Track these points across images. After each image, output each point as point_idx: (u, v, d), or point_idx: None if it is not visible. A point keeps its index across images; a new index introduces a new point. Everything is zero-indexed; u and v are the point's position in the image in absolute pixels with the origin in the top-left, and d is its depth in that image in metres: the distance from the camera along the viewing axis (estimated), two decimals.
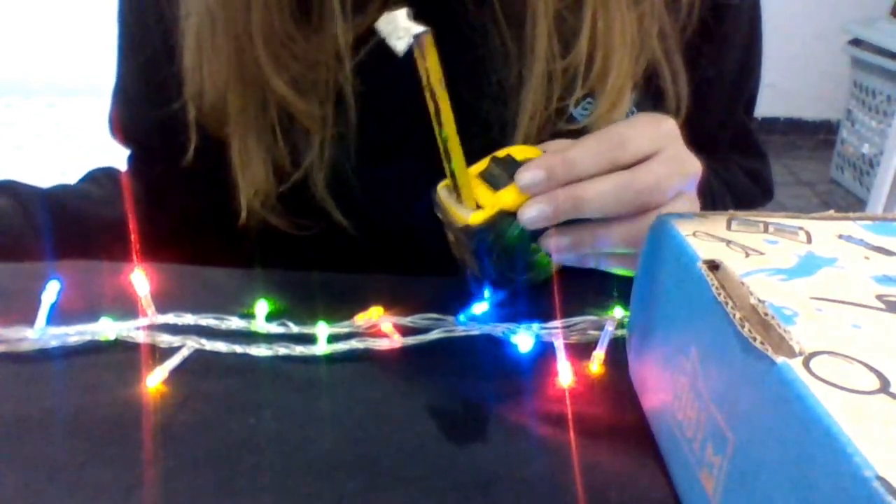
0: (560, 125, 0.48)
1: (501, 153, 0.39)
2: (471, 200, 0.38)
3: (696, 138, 0.53)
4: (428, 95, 0.34)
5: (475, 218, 0.37)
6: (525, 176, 0.37)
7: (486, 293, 0.43)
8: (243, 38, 0.45)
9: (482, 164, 0.39)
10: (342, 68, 0.47)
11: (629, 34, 0.46)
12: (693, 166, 0.41)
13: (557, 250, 0.39)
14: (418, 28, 0.32)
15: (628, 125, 0.39)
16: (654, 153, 0.39)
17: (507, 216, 0.37)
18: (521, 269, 0.41)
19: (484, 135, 0.49)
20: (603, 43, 0.45)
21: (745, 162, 0.61)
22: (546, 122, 0.48)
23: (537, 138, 0.47)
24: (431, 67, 0.34)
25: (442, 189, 0.39)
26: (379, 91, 0.48)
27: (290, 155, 0.49)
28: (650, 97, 0.51)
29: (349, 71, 0.47)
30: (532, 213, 0.37)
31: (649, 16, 0.47)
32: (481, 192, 0.38)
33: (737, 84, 0.57)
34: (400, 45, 0.33)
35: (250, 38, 0.45)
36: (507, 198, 0.37)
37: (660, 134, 0.39)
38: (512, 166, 0.38)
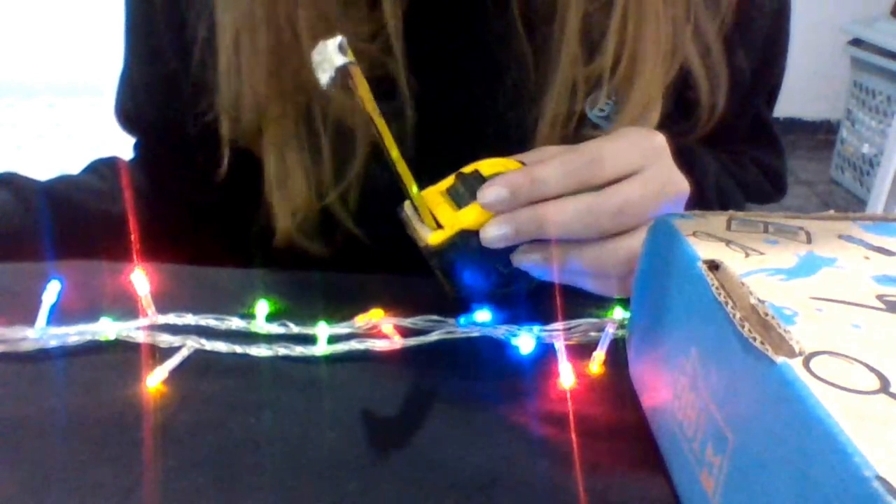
0: (583, 131, 0.46)
1: (468, 168, 0.38)
2: (429, 219, 0.37)
3: (713, 128, 0.52)
4: (370, 122, 0.34)
5: (434, 238, 0.37)
6: (488, 194, 0.35)
7: (468, 305, 0.42)
8: (287, 35, 0.44)
9: (449, 181, 0.38)
10: (394, 61, 0.45)
11: (662, 39, 0.44)
12: (677, 187, 0.38)
13: (529, 268, 0.38)
14: (341, 60, 0.32)
15: (609, 141, 0.37)
16: (635, 171, 0.37)
17: (470, 235, 0.36)
18: (496, 283, 0.40)
19: (501, 139, 0.48)
20: (631, 48, 0.44)
21: (760, 155, 0.59)
22: (567, 128, 0.46)
23: (557, 144, 0.46)
24: (363, 97, 0.33)
25: (407, 206, 0.39)
26: (434, 88, 0.46)
27: (335, 169, 0.48)
28: (672, 100, 0.49)
29: (402, 64, 0.45)
30: (493, 234, 0.36)
31: (683, 18, 0.45)
32: (444, 210, 0.37)
33: (757, 74, 0.55)
34: (323, 77, 0.33)
35: (296, 36, 0.43)
36: (467, 217, 0.36)
37: (644, 151, 0.37)
38: (477, 183, 0.37)
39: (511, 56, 0.47)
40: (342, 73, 0.32)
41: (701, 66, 0.47)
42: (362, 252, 0.51)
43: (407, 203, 0.39)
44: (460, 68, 0.49)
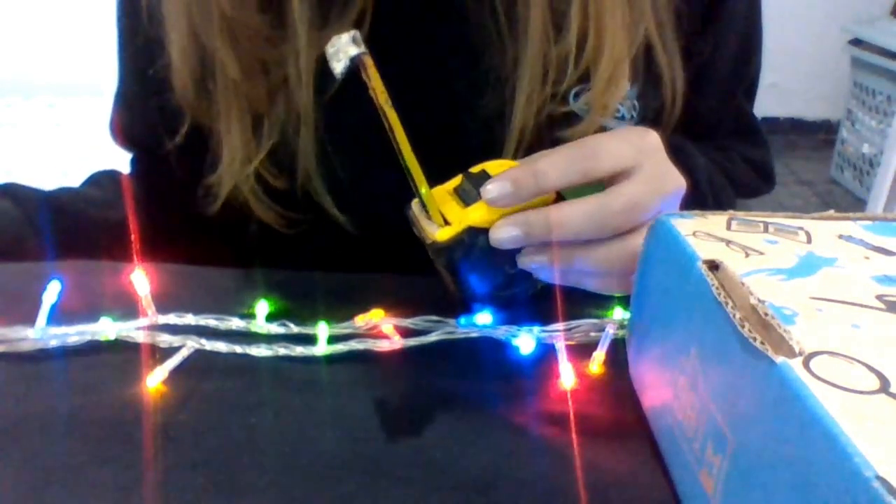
0: (555, 107, 0.47)
1: (476, 169, 0.38)
2: (437, 216, 0.37)
3: (696, 124, 0.52)
4: (381, 115, 0.34)
5: (441, 235, 0.37)
6: (492, 189, 0.36)
7: (473, 308, 0.42)
8: (197, 20, 0.45)
9: (456, 181, 0.39)
10: (297, 51, 0.46)
11: (620, 14, 0.45)
12: (674, 183, 0.39)
13: (535, 270, 0.38)
14: (355, 50, 0.32)
15: (605, 137, 0.38)
16: (632, 168, 0.37)
17: (478, 233, 0.37)
18: (501, 284, 0.40)
19: (480, 125, 0.49)
20: (595, 24, 0.45)
21: (745, 149, 0.60)
22: (542, 108, 0.47)
23: (534, 126, 0.47)
24: (375, 87, 0.34)
25: (415, 205, 0.39)
26: (411, 79, 0.47)
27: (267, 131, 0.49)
28: (651, 86, 0.50)
29: (304, 52, 0.46)
30: (503, 235, 0.36)
31: None
32: (451, 208, 0.37)
33: (736, 69, 0.56)
34: (338, 67, 0.33)
35: (203, 22, 0.45)
36: (475, 214, 0.37)
37: (639, 148, 0.38)
38: (484, 181, 0.37)
39: (486, 40, 0.47)
40: (355, 63, 0.33)
41: (658, 39, 0.48)
42: (348, 238, 0.51)
43: (414, 202, 0.39)
44: (436, 55, 0.49)
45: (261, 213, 0.51)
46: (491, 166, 0.38)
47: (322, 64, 0.46)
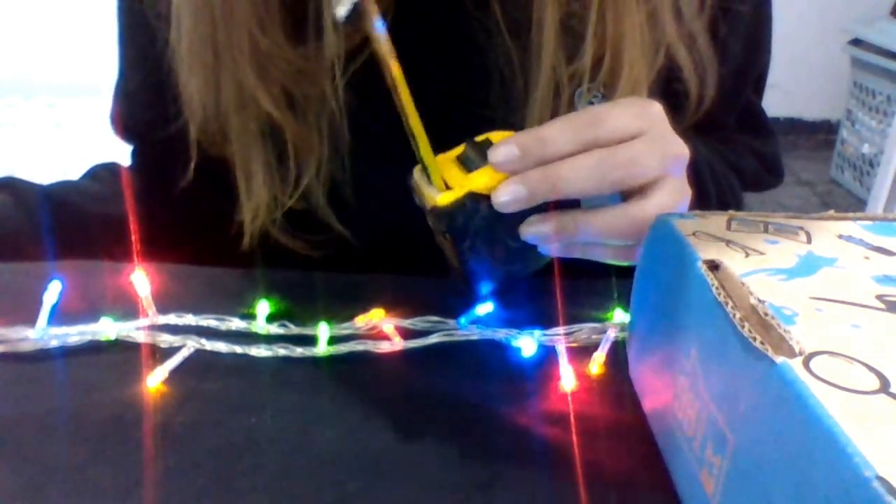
0: None
1: (480, 137, 0.38)
2: (439, 180, 0.37)
3: (704, 117, 0.52)
4: (384, 69, 0.34)
5: (443, 199, 0.36)
6: (498, 152, 0.36)
7: (475, 287, 0.41)
8: (226, 54, 0.44)
9: (459, 149, 0.38)
10: (332, 82, 0.46)
11: (639, 34, 0.44)
12: (678, 148, 0.39)
13: (540, 239, 0.38)
14: None
15: (610, 106, 0.38)
16: (637, 134, 0.37)
17: (480, 199, 0.36)
18: (503, 258, 0.39)
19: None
20: (612, 45, 0.44)
21: (753, 142, 0.60)
22: None
23: None
24: (377, 35, 0.33)
25: (416, 171, 0.38)
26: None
27: (294, 171, 0.49)
28: (659, 93, 0.49)
29: (340, 84, 0.45)
30: (506, 197, 0.35)
31: (664, 10, 0.46)
32: (454, 174, 0.37)
33: (744, 62, 0.56)
34: (340, 11, 0.32)
35: (233, 56, 0.44)
36: (478, 180, 0.36)
37: (643, 115, 0.38)
38: (487, 148, 0.36)
39: (498, 59, 0.47)
40: (356, 5, 0.32)
41: (688, 58, 0.48)
42: (355, 252, 0.51)
43: (416, 168, 0.38)
44: (448, 73, 0.49)
45: (287, 243, 0.51)
46: (494, 136, 0.38)
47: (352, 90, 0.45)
